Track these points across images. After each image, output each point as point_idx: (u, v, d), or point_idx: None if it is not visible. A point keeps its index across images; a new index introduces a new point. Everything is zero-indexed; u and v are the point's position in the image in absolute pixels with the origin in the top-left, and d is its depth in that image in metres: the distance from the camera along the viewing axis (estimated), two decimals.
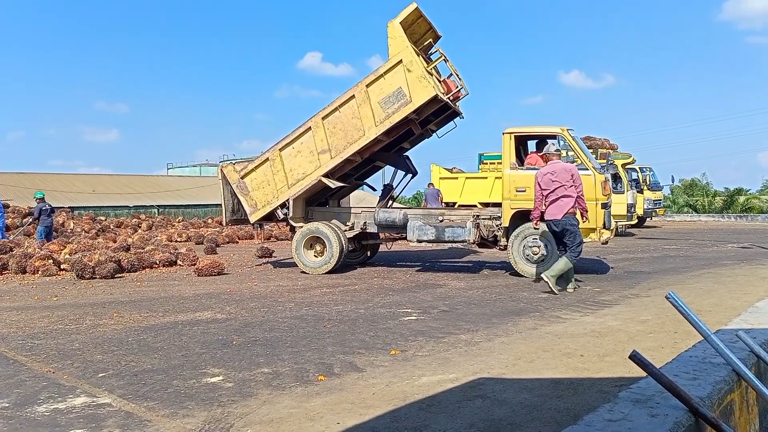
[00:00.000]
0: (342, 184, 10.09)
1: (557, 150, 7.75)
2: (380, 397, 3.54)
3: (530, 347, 4.68)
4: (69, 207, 23.51)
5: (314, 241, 9.82)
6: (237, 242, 16.92)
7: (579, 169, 7.99)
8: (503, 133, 8.87)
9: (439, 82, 9.56)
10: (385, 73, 9.02)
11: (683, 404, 2.33)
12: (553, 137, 8.79)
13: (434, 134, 10.49)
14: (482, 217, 9.36)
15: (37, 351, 4.88)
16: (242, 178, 10.00)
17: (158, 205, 34.29)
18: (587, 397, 3.42)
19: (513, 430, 2.98)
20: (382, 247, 11.36)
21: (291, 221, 9.95)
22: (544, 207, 7.48)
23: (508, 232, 8.86)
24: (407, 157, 10.71)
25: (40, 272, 10.08)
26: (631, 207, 17.07)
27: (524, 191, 8.52)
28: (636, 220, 18.69)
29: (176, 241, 16.42)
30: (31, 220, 12.06)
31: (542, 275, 7.28)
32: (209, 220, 23.26)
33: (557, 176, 7.26)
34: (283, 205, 9.89)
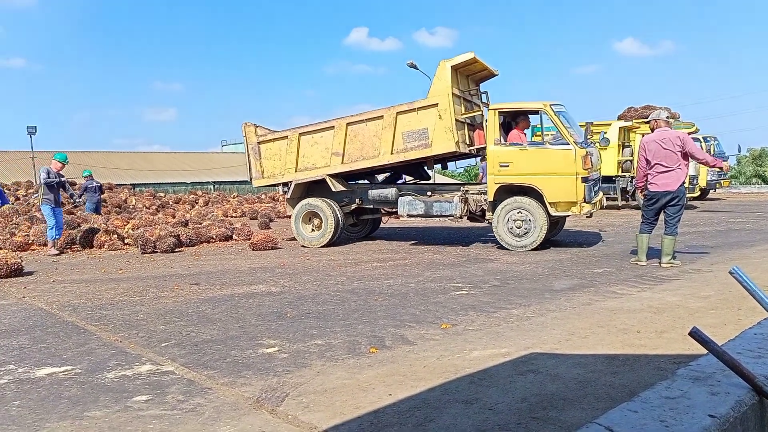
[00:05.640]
0: (344, 189, 10.23)
1: (668, 117, 7.41)
2: (431, 370, 3.57)
3: (584, 323, 4.60)
4: (131, 184, 24.49)
5: (312, 216, 10.30)
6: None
7: (559, 144, 8.44)
8: (489, 110, 9.17)
9: (473, 131, 9.66)
10: (419, 109, 9.20)
11: (746, 383, 2.24)
12: (536, 113, 9.00)
13: (452, 163, 10.62)
14: (471, 192, 9.57)
15: (105, 321, 5.16)
16: (259, 143, 10.42)
17: (214, 182, 35.22)
18: (643, 374, 3.35)
19: (566, 405, 2.95)
20: (417, 223, 11.49)
21: (288, 202, 10.57)
22: (645, 177, 7.20)
23: (494, 206, 9.05)
24: (421, 165, 10.71)
25: (105, 246, 10.60)
26: (693, 179, 16.43)
27: (507, 166, 8.78)
28: (698, 193, 17.96)
29: (231, 217, 16.88)
30: (76, 198, 12.60)
31: (662, 265, 7.12)
32: (263, 196, 23.75)
33: (668, 144, 6.97)
34: (286, 184, 10.39)
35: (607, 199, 17.51)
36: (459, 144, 9.00)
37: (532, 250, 8.75)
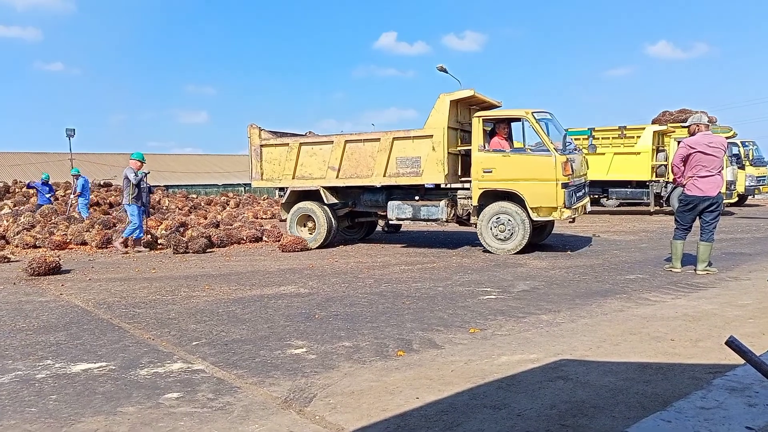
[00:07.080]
0: (336, 202, 10.36)
1: (709, 121, 7.29)
2: (459, 375, 3.55)
3: (616, 330, 4.52)
4: (164, 185, 24.99)
5: (306, 219, 10.62)
6: None
7: (540, 151, 8.61)
8: (473, 117, 9.22)
9: (470, 163, 9.73)
10: (415, 138, 9.36)
11: None
12: (518, 120, 9.13)
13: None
14: (459, 196, 9.61)
15: (138, 319, 5.28)
16: (261, 146, 10.71)
17: (245, 184, 35.65)
18: (677, 383, 3.27)
19: (596, 413, 2.90)
20: (445, 226, 11.41)
21: (282, 206, 10.95)
22: (685, 178, 7.00)
23: (479, 210, 9.19)
24: (414, 188, 10.69)
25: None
26: (730, 184, 16.02)
27: (490, 172, 8.97)
28: (736, 198, 17.49)
29: (262, 218, 17.09)
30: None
31: (698, 272, 6.97)
32: None
33: (715, 149, 6.77)
34: (282, 189, 10.74)
35: (640, 204, 17.19)
36: (448, 177, 9.19)
37: (517, 253, 8.86)
